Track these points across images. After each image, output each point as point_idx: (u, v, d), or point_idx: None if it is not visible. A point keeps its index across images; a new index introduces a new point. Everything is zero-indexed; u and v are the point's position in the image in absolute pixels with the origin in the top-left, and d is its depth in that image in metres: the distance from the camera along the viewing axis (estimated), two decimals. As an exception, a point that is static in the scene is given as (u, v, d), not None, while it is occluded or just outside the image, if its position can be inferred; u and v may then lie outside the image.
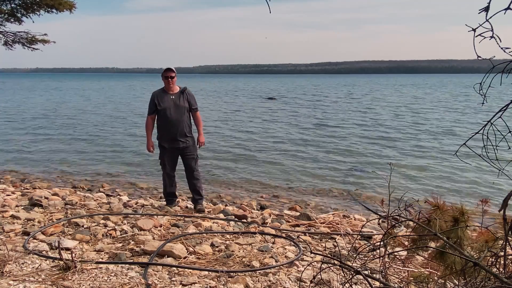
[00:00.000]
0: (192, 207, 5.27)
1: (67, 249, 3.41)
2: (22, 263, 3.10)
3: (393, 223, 2.97)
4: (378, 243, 2.46)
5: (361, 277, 1.87)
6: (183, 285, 2.85)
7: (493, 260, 1.69)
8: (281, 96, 37.23)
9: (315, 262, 3.38)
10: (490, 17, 1.23)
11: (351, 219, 5.14)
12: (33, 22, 9.21)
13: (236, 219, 4.82)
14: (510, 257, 1.77)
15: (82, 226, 4.15)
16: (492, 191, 7.08)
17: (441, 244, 2.16)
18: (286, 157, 10.36)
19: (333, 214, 5.36)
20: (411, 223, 3.54)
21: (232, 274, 3.04)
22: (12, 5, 8.96)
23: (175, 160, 5.09)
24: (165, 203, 5.33)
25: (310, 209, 5.98)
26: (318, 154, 10.71)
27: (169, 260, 3.29)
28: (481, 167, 8.35)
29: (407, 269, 2.90)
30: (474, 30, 1.28)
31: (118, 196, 6.27)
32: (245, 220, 4.80)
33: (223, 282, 2.88)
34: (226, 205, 5.79)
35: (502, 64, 1.35)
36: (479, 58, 1.33)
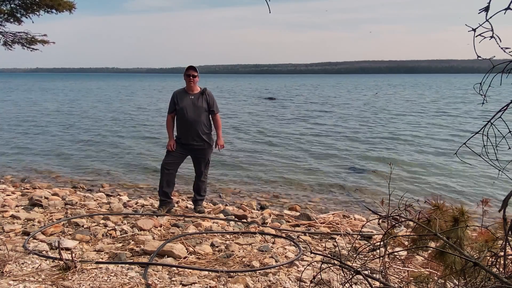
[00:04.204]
0: (192, 207, 5.26)
1: (67, 249, 3.41)
2: (22, 263, 3.10)
3: (393, 223, 2.97)
4: (378, 243, 2.46)
5: (361, 277, 1.87)
6: (183, 285, 2.85)
7: (493, 260, 1.69)
8: (280, 96, 37.23)
9: (315, 262, 3.38)
10: (490, 17, 1.23)
11: (351, 219, 5.14)
12: (33, 22, 9.22)
13: (236, 219, 4.82)
14: (510, 257, 1.77)
15: (82, 226, 4.15)
16: (492, 191, 7.08)
17: (441, 244, 2.17)
18: (286, 157, 10.35)
19: (333, 214, 5.36)
20: (411, 223, 3.54)
21: (232, 274, 3.04)
22: (12, 5, 8.96)
23: (182, 158, 5.00)
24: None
25: (310, 209, 5.98)
26: (318, 154, 10.71)
27: (169, 260, 3.29)
28: (481, 167, 8.36)
29: (407, 269, 2.90)
30: (474, 30, 1.28)
31: (118, 196, 6.26)
32: (245, 220, 4.80)
33: (223, 282, 2.88)
34: (226, 205, 5.79)
35: (502, 64, 1.35)
36: (479, 58, 1.33)
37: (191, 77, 4.82)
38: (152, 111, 23.00)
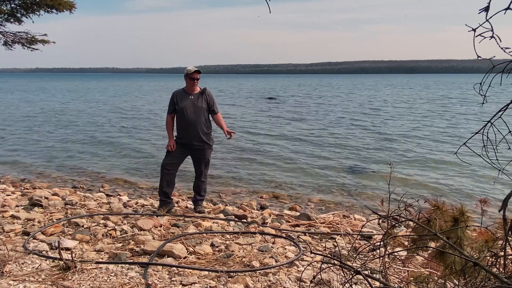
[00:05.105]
0: (192, 207, 5.25)
1: (67, 249, 3.41)
2: (22, 263, 3.10)
3: (393, 223, 2.97)
4: (378, 243, 2.46)
5: (361, 277, 1.87)
6: (183, 285, 2.85)
7: (493, 260, 1.69)
8: (280, 96, 37.23)
9: (315, 262, 3.38)
10: (490, 17, 1.23)
11: (351, 219, 5.14)
12: (33, 22, 9.24)
13: (236, 219, 4.82)
14: (510, 257, 1.77)
15: (82, 226, 4.15)
16: (492, 191, 7.08)
17: (441, 244, 2.17)
18: (286, 157, 10.35)
19: (333, 214, 5.36)
20: (411, 223, 3.54)
21: (232, 274, 3.04)
22: (12, 5, 8.97)
23: (182, 158, 5.01)
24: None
25: (310, 209, 5.98)
26: (318, 154, 10.71)
27: (169, 260, 3.29)
28: (481, 167, 8.35)
29: (407, 269, 2.90)
30: (474, 30, 1.27)
31: (118, 196, 6.26)
32: (245, 220, 4.80)
33: (223, 282, 2.88)
34: (226, 205, 5.79)
35: (502, 64, 1.34)
36: (479, 58, 1.33)
37: (196, 80, 4.86)
38: (147, 111, 22.97)
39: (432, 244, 2.32)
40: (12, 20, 9.00)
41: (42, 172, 8.60)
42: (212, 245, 3.71)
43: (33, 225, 4.19)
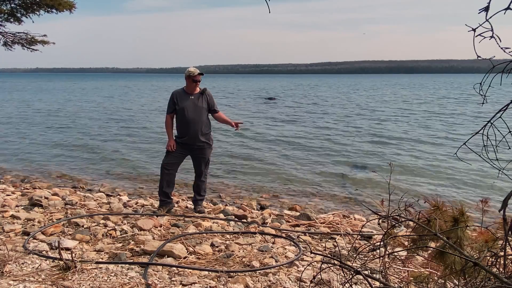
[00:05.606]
0: (192, 207, 5.26)
1: (67, 249, 3.41)
2: (22, 263, 3.10)
3: (393, 223, 2.97)
4: (378, 243, 2.46)
5: (361, 277, 1.88)
6: (183, 285, 2.85)
7: (493, 260, 1.69)
8: (281, 97, 37.22)
9: (315, 262, 3.38)
10: (490, 17, 1.24)
11: (351, 219, 5.14)
12: (33, 22, 9.24)
13: (236, 219, 4.82)
14: (510, 257, 1.77)
15: (82, 226, 4.15)
16: (492, 191, 7.08)
17: (441, 244, 2.17)
18: (286, 157, 10.35)
19: (333, 214, 5.37)
20: (411, 223, 3.54)
21: (232, 274, 3.04)
22: (12, 5, 8.97)
23: (182, 158, 5.02)
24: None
25: (310, 209, 5.98)
26: (318, 154, 10.70)
27: (169, 260, 3.29)
28: (481, 167, 8.35)
29: (407, 269, 2.90)
30: (474, 30, 1.28)
31: (118, 196, 6.26)
32: (245, 220, 4.80)
33: (223, 282, 2.88)
34: (226, 205, 5.80)
35: (502, 64, 1.35)
36: (479, 58, 1.33)
37: (198, 82, 4.89)
38: (141, 112, 22.88)
39: (432, 244, 2.32)
40: (12, 20, 9.00)
41: (42, 172, 8.58)
42: (212, 245, 3.72)
43: (33, 225, 4.19)
